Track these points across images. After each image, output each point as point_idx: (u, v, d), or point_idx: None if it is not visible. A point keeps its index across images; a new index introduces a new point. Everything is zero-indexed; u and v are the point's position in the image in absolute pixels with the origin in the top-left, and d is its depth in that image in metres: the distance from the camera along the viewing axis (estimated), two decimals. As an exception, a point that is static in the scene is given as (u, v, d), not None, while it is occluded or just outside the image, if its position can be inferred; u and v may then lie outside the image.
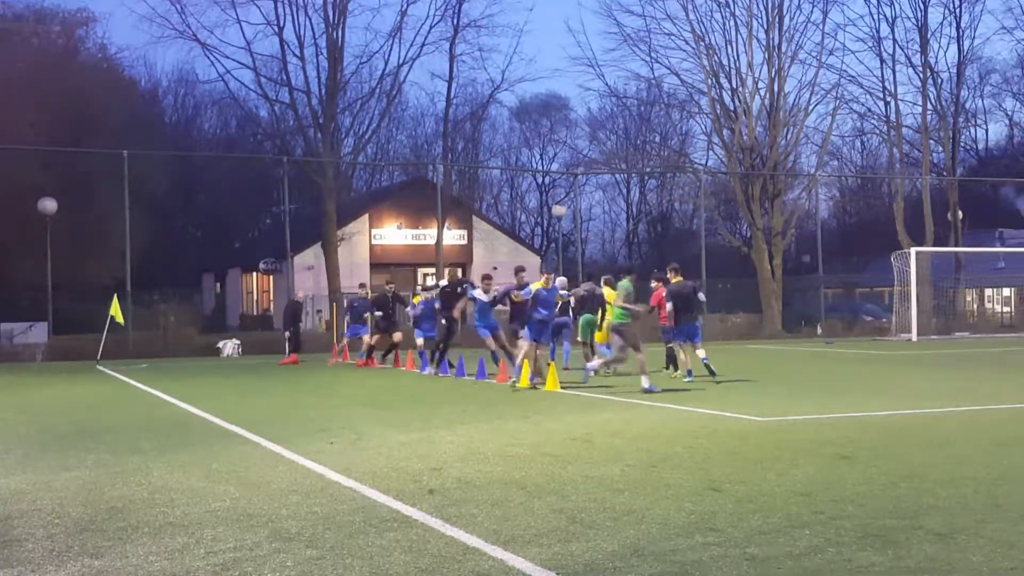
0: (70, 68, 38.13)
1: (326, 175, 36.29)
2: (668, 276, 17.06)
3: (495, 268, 42.87)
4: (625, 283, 15.18)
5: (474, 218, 47.50)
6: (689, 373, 16.96)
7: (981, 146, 62.42)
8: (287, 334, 25.51)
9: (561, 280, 18.24)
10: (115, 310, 25.44)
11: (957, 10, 42.21)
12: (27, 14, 38.93)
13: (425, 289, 23.13)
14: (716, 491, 7.22)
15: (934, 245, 40.72)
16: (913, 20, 41.92)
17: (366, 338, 22.86)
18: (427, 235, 44.02)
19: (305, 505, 6.97)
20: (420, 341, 20.88)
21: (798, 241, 54.91)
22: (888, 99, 41.91)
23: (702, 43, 38.92)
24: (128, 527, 6.40)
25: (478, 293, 18.04)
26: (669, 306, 16.58)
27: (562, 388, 15.52)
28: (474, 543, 5.83)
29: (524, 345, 16.24)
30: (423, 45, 38.20)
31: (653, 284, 17.87)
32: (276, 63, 37.93)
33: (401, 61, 38.65)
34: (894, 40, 41.53)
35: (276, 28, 36.38)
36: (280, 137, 43.55)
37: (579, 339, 18.75)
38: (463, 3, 38.99)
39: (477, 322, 18.19)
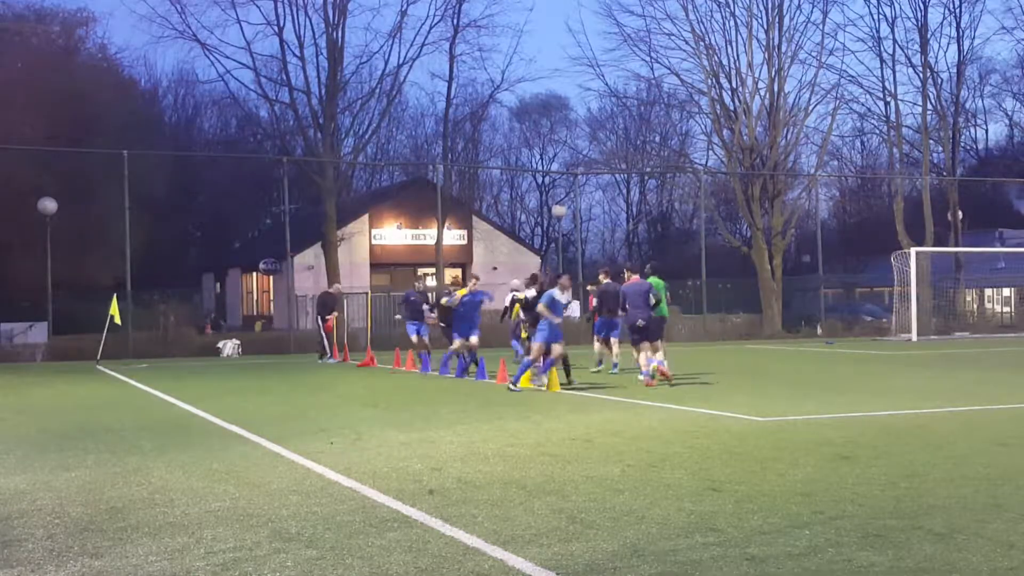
0: (70, 68, 38.17)
1: (326, 175, 36.29)
2: (600, 277, 18.85)
3: (495, 268, 42.97)
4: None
5: (474, 218, 47.52)
6: (615, 366, 18.57)
7: (981, 146, 62.50)
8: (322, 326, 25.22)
9: (515, 282, 19.74)
10: (114, 310, 25.44)
11: (957, 10, 42.25)
12: (27, 14, 38.96)
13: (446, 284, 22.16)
14: (716, 491, 7.22)
15: (934, 245, 40.70)
16: (913, 20, 41.97)
17: (414, 338, 21.16)
18: (427, 235, 44.04)
19: (305, 505, 6.97)
20: (457, 343, 18.84)
21: (798, 241, 54.92)
22: (888, 99, 41.94)
23: (702, 43, 38.91)
24: (128, 527, 6.40)
25: (557, 293, 16.00)
26: (595, 303, 18.02)
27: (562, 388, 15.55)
28: (474, 543, 5.83)
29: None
30: (423, 45, 38.21)
31: (589, 287, 19.93)
32: (276, 63, 37.95)
33: (401, 61, 38.68)
34: (894, 40, 41.60)
35: (276, 28, 36.37)
36: (280, 137, 43.52)
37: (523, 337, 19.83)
38: (463, 3, 38.99)
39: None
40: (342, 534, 6.11)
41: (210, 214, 57.17)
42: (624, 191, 66.45)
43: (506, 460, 8.75)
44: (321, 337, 25.16)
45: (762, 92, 39.22)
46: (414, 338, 20.99)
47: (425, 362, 20.55)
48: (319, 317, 25.25)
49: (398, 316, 21.19)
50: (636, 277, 17.07)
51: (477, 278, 19.34)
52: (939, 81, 42.57)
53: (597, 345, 19.37)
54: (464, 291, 19.04)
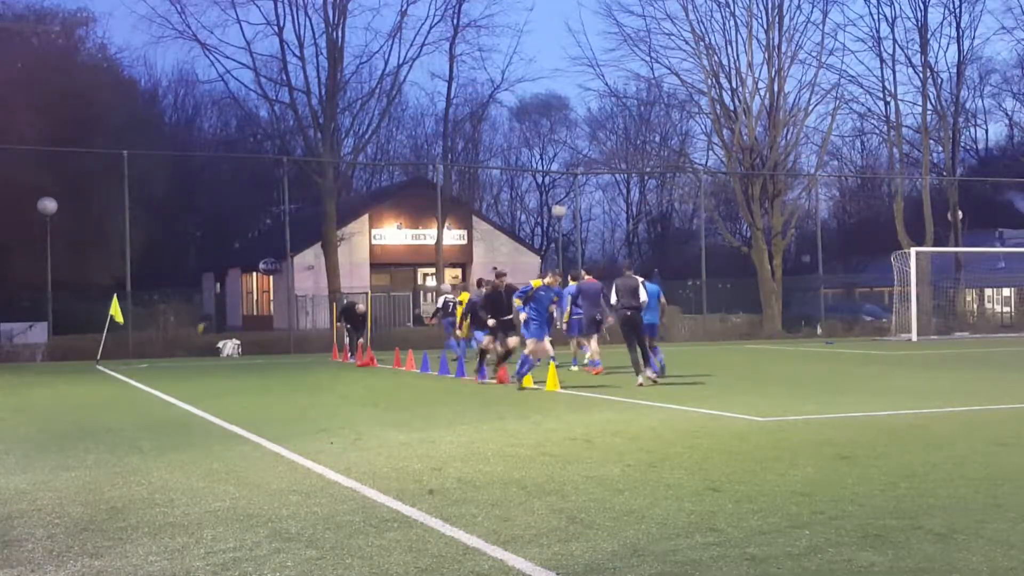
0: (70, 68, 38.11)
1: (326, 175, 36.29)
2: (546, 281, 19.40)
3: (495, 268, 42.98)
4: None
5: (474, 218, 47.50)
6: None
7: (981, 146, 62.47)
8: (347, 328, 24.94)
9: (446, 287, 20.14)
10: (115, 310, 25.45)
11: (957, 10, 42.24)
12: (27, 14, 38.90)
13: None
14: (716, 491, 7.22)
15: (934, 245, 40.70)
16: (913, 20, 41.95)
17: (486, 341, 18.05)
18: (427, 235, 44.02)
19: (305, 505, 6.97)
20: (531, 344, 16.45)
21: (798, 241, 54.90)
22: (888, 99, 41.92)
23: (702, 43, 38.91)
24: (128, 527, 6.40)
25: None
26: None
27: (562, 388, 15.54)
28: (474, 543, 5.83)
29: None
30: (423, 45, 38.25)
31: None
32: (276, 63, 37.99)
33: (401, 61, 38.73)
34: (894, 40, 41.56)
35: (276, 28, 36.40)
36: (280, 137, 43.56)
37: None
38: (463, 3, 39.02)
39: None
40: (342, 534, 6.11)
41: (210, 214, 57.15)
42: (624, 191, 66.51)
43: (506, 460, 8.75)
44: (353, 336, 24.74)
45: (762, 92, 39.26)
46: (485, 341, 17.94)
47: (482, 371, 17.81)
48: (353, 328, 24.53)
49: (444, 320, 20.66)
50: (590, 278, 18.82)
51: (555, 272, 17.80)
52: (939, 81, 42.59)
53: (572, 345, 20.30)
54: (539, 282, 16.92)
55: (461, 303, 22.17)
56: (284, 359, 27.73)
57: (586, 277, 18.78)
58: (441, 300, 24.05)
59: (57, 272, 30.07)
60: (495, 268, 39.68)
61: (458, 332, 21.67)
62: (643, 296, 16.22)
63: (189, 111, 60.54)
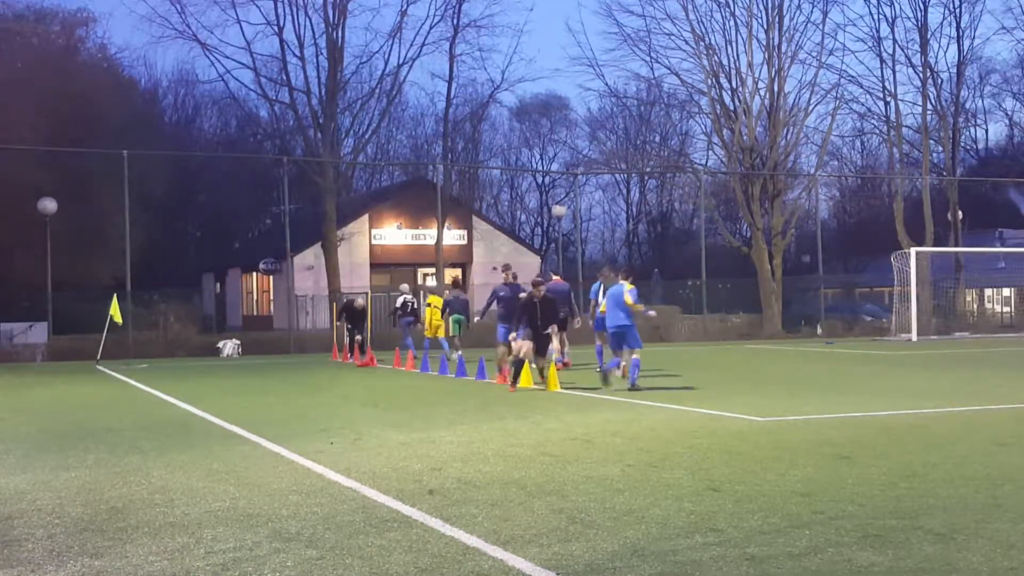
0: (70, 68, 38.09)
1: (326, 175, 36.28)
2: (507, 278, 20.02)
3: (495, 268, 42.99)
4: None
5: (474, 218, 47.49)
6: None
7: (981, 146, 62.46)
8: (348, 327, 24.73)
9: (404, 287, 23.69)
10: (114, 310, 25.43)
11: (957, 10, 42.20)
12: (27, 14, 38.88)
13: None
14: (716, 491, 7.22)
15: (934, 245, 40.68)
16: (913, 20, 41.90)
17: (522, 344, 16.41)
18: (427, 235, 44.02)
19: (305, 505, 6.97)
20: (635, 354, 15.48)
21: (798, 241, 54.89)
22: (888, 99, 41.88)
23: (702, 43, 38.89)
24: (128, 527, 6.40)
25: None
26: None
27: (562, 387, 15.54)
28: (474, 543, 5.83)
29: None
30: (423, 45, 38.22)
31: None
32: (276, 63, 37.95)
33: (401, 61, 38.69)
34: (894, 40, 41.51)
35: (276, 28, 36.38)
36: (280, 137, 43.55)
37: (451, 334, 21.83)
38: (463, 3, 38.98)
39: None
40: (342, 534, 6.11)
41: (210, 214, 57.16)
42: (624, 191, 66.51)
43: (506, 460, 8.75)
44: (353, 336, 24.53)
45: (762, 92, 39.23)
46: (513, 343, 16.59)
47: (481, 370, 16.86)
48: (353, 326, 24.29)
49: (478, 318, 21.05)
50: (559, 278, 19.06)
51: (625, 272, 16.34)
52: (939, 81, 42.57)
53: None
54: (631, 285, 15.55)
55: (430, 304, 23.51)
56: (284, 359, 27.72)
57: (554, 278, 18.85)
58: (400, 300, 24.78)
59: (57, 272, 30.06)
60: (495, 268, 39.65)
61: (446, 331, 22.12)
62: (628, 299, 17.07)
63: (189, 111, 60.57)
